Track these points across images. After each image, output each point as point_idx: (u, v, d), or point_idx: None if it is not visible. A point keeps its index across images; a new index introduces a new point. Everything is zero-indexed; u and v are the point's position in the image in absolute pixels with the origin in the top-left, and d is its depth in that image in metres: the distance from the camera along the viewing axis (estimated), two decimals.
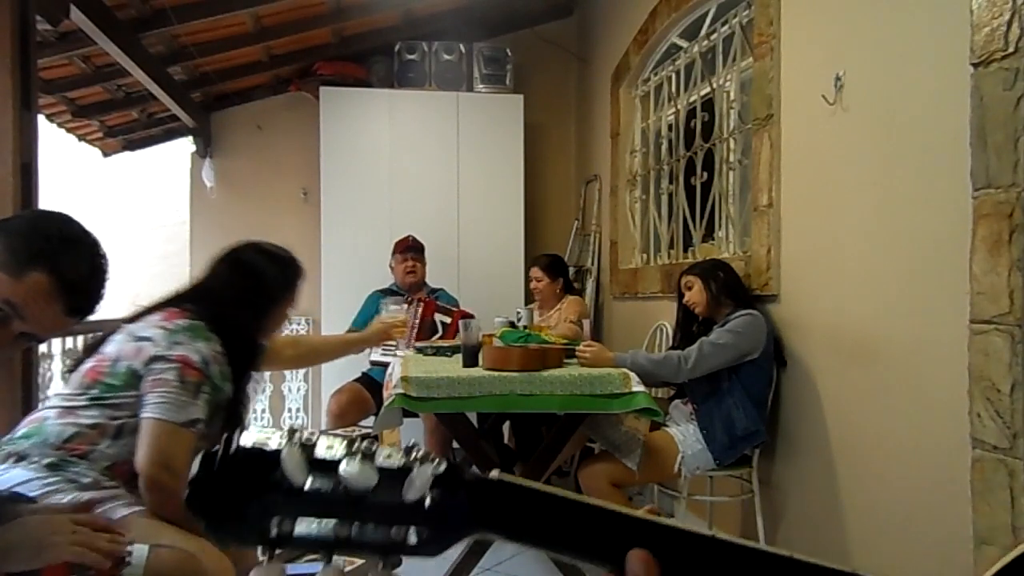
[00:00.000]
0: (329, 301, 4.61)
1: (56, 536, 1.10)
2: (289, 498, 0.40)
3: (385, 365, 3.73)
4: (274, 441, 0.41)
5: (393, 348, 3.79)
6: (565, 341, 2.81)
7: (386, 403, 2.38)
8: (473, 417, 3.21)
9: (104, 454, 1.55)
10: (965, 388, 1.78)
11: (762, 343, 2.51)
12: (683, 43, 3.80)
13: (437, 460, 0.42)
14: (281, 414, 5.13)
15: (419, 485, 0.41)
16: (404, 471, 0.41)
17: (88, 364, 1.65)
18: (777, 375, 2.63)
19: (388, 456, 0.41)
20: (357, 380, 3.88)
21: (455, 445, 3.77)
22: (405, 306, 3.89)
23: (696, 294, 2.67)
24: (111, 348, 1.65)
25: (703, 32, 3.50)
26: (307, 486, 0.40)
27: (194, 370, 1.59)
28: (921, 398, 1.99)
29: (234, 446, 0.41)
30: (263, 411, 5.11)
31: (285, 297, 1.91)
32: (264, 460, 0.40)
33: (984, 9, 1.71)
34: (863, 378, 2.24)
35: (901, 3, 2.08)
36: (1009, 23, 1.64)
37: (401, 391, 2.32)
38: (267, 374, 5.09)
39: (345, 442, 0.42)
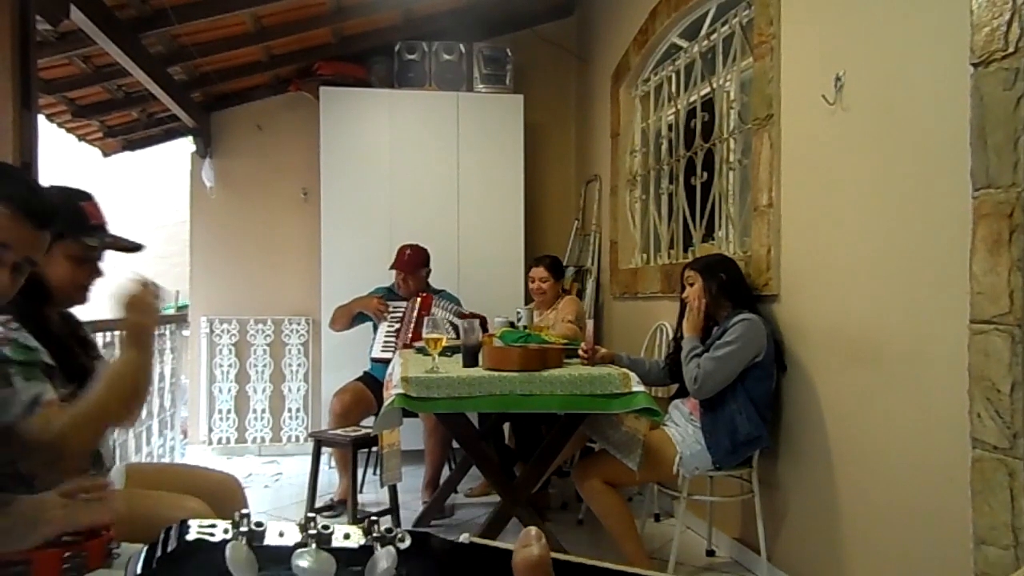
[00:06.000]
0: (329, 301, 4.60)
1: (47, 512, 1.13)
2: None
3: (385, 362, 3.74)
4: (219, 532, 0.38)
5: (393, 345, 3.80)
6: (565, 341, 2.81)
7: (386, 403, 2.38)
8: (473, 417, 3.21)
9: None
10: (965, 388, 1.78)
11: (764, 345, 2.51)
12: (683, 43, 3.80)
13: (399, 535, 0.40)
14: (281, 414, 5.13)
15: (384, 568, 0.39)
16: (365, 551, 0.39)
17: None
18: (778, 375, 2.63)
19: (346, 536, 0.40)
20: (359, 379, 3.89)
21: (455, 445, 3.78)
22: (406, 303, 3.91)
23: (695, 294, 2.66)
24: None
25: (703, 32, 3.50)
26: None
27: None
28: (921, 398, 1.99)
29: (174, 542, 0.38)
30: (263, 411, 5.11)
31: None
32: (209, 554, 0.38)
33: (984, 9, 1.71)
34: (863, 378, 2.24)
35: (901, 3, 2.08)
36: (1009, 23, 1.64)
37: (401, 391, 2.32)
38: (267, 373, 5.09)
39: (297, 528, 0.39)
